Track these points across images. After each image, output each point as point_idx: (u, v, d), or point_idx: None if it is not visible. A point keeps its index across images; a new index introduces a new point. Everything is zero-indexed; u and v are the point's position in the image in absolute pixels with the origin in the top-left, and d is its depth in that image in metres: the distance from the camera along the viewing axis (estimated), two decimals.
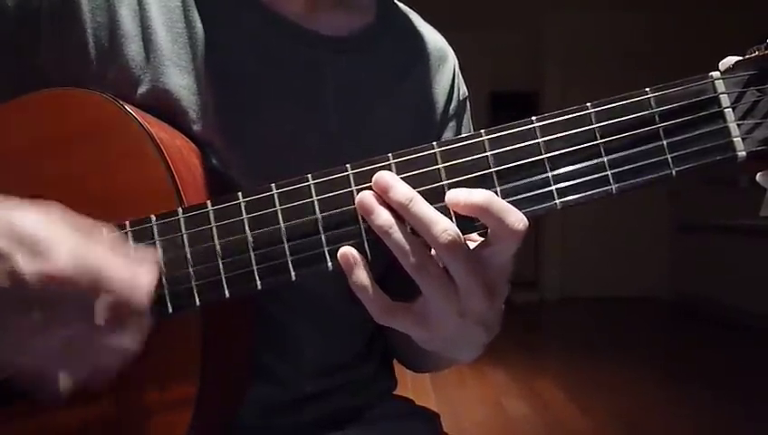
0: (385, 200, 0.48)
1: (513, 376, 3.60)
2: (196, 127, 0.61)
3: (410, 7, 0.79)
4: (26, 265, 0.43)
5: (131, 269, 0.47)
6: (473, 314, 0.49)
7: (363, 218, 0.49)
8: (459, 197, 0.48)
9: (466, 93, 0.80)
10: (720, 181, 4.85)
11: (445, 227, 0.46)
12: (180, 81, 0.61)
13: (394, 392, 0.80)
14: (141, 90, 0.61)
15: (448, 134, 0.75)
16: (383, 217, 0.48)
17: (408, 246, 0.47)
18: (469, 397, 3.30)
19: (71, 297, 0.44)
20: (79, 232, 0.46)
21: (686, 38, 5.76)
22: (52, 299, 0.43)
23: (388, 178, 0.48)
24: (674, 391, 3.39)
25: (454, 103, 0.76)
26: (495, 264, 0.49)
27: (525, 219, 0.47)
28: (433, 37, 0.77)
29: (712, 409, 3.06)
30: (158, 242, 0.51)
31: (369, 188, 0.49)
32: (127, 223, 0.52)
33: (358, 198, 0.49)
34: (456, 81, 0.77)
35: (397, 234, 0.47)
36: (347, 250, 0.48)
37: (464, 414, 3.05)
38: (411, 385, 3.17)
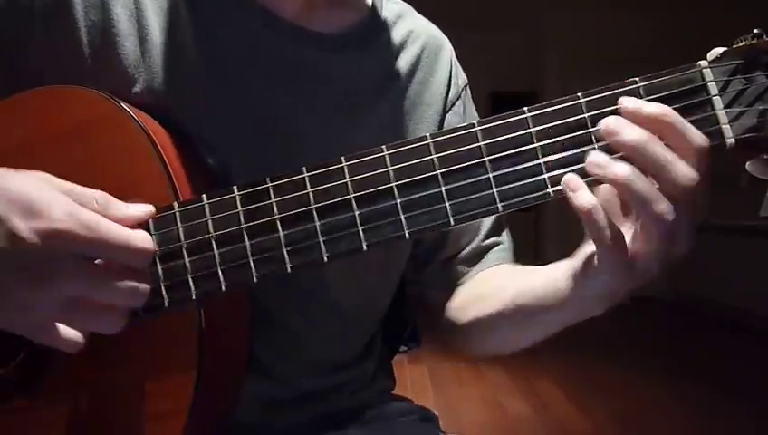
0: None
1: (512, 376, 3.60)
2: (191, 126, 0.62)
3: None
4: (23, 224, 0.44)
5: (126, 226, 0.49)
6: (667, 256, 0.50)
7: (357, 207, 0.50)
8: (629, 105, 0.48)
9: (466, 81, 0.80)
10: (720, 181, 4.84)
11: (684, 170, 0.47)
12: (176, 80, 0.62)
13: (393, 392, 0.81)
14: (136, 89, 0.61)
15: (455, 119, 0.76)
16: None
17: (633, 177, 0.46)
18: (468, 397, 3.30)
19: (69, 251, 0.46)
20: (71, 192, 0.48)
21: (686, 38, 5.74)
22: (51, 254, 0.45)
23: (622, 121, 0.48)
24: (673, 390, 3.38)
25: (454, 89, 0.77)
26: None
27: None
28: (427, 27, 0.78)
29: (712, 408, 3.06)
30: (154, 236, 0.51)
31: (365, 182, 0.50)
32: None
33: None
34: (453, 68, 0.78)
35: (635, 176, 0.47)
36: (570, 176, 0.48)
37: (463, 414, 3.05)
38: (410, 385, 3.17)
